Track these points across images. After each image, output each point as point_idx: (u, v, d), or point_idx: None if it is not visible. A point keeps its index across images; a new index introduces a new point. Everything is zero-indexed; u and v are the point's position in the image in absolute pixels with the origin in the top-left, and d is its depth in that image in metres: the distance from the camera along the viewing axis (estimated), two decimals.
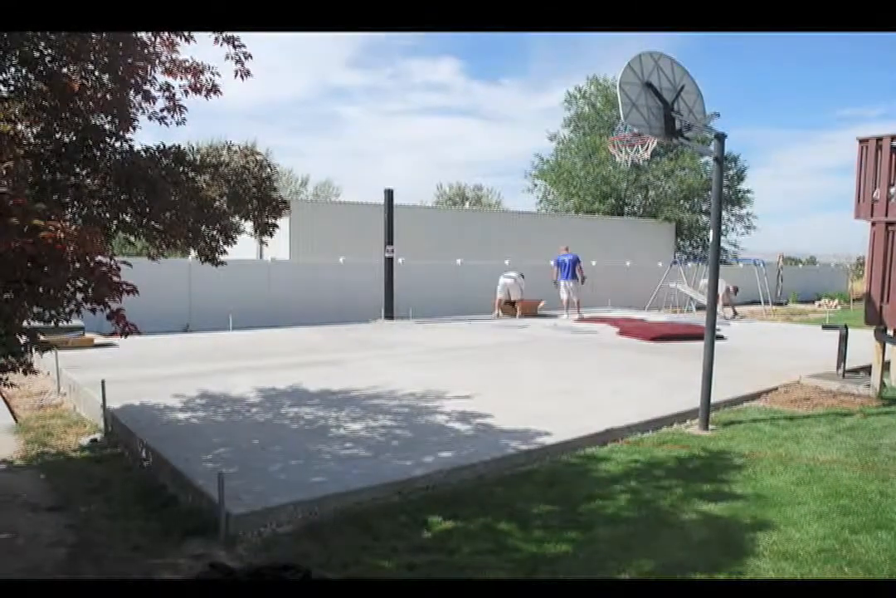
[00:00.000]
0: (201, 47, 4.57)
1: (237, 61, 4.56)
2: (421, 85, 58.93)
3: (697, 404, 6.21)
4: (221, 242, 5.20)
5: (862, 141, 7.42)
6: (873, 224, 7.37)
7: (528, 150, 67.04)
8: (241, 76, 4.64)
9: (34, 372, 4.38)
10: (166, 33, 4.34)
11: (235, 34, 4.45)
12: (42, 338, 4.00)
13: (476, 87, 61.34)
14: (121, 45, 3.97)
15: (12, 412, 6.70)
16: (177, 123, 4.73)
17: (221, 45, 4.44)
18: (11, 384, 4.34)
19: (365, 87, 60.10)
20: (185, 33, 4.36)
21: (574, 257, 15.30)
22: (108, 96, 4.03)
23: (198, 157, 5.05)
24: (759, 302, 20.37)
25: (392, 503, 4.22)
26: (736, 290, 18.46)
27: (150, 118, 4.63)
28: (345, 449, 5.04)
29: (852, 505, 4.28)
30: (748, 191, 31.73)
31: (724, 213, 24.28)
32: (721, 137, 6.14)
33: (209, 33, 4.31)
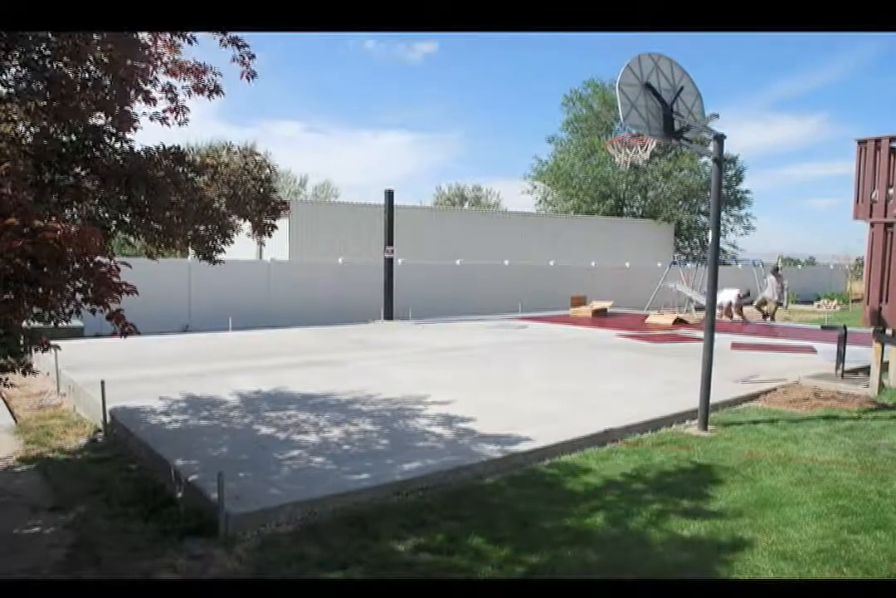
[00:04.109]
0: (202, 52, 4.59)
1: (241, 62, 4.56)
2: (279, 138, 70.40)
3: (697, 405, 6.22)
4: (219, 242, 5.20)
5: (861, 142, 7.43)
6: (872, 225, 7.38)
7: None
8: (248, 78, 4.64)
9: (34, 373, 4.37)
10: (168, 34, 4.34)
11: (239, 35, 4.46)
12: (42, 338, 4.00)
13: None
14: (121, 46, 3.97)
15: (12, 413, 6.70)
16: (179, 124, 4.73)
17: (226, 46, 4.45)
18: (11, 385, 4.34)
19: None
20: (188, 34, 4.37)
21: None
22: (107, 97, 4.03)
23: (197, 157, 5.05)
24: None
25: (390, 503, 4.22)
26: (748, 294, 16.97)
27: (151, 119, 4.63)
28: (348, 445, 5.06)
29: (851, 505, 4.28)
30: (747, 191, 31.80)
31: (722, 213, 24.29)
32: (720, 138, 6.14)
33: (213, 34, 4.32)
